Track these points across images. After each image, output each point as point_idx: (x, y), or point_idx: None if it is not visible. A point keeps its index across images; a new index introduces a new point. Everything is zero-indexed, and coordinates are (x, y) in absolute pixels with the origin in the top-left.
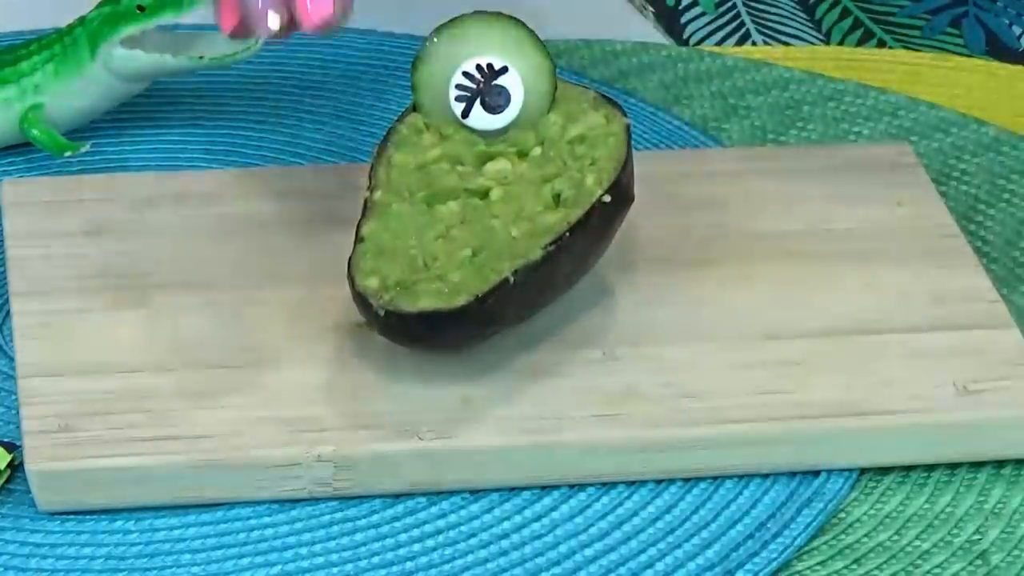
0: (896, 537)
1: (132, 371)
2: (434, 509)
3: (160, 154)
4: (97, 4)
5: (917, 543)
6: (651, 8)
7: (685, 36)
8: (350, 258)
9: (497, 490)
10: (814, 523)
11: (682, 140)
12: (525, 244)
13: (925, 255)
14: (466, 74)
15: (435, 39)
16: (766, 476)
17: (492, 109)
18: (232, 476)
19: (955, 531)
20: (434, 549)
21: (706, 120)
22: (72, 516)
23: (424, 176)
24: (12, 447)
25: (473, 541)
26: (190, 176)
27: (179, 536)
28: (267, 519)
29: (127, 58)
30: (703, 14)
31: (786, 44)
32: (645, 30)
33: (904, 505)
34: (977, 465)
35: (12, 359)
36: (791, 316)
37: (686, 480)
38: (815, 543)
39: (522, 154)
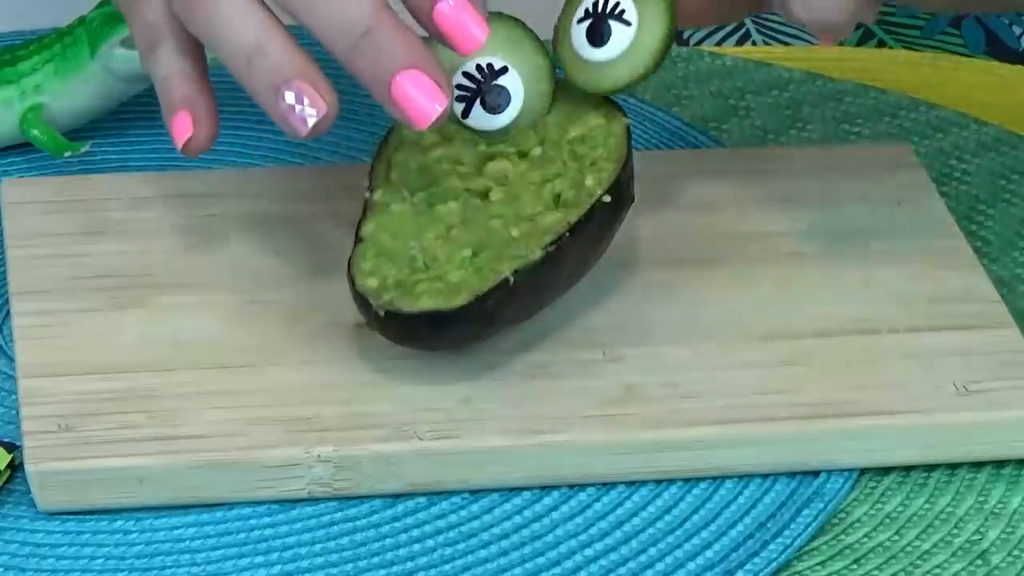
0: (896, 537)
1: (132, 371)
2: (434, 509)
3: (160, 154)
4: (97, 4)
5: (917, 543)
6: None
7: (685, 36)
8: (350, 258)
9: (497, 490)
10: (814, 523)
11: (682, 140)
12: (525, 244)
13: (925, 255)
14: (466, 74)
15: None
16: (766, 476)
17: (492, 109)
18: (232, 476)
19: (955, 531)
20: (434, 549)
21: (706, 120)
22: (72, 516)
23: (424, 176)
24: (12, 447)
25: (473, 541)
26: (190, 176)
27: (179, 536)
28: (267, 519)
29: (127, 58)
30: None
31: (786, 44)
32: None
33: (904, 505)
34: (977, 465)
35: (12, 359)
36: (791, 316)
37: (686, 480)
38: (815, 543)
39: (522, 154)
